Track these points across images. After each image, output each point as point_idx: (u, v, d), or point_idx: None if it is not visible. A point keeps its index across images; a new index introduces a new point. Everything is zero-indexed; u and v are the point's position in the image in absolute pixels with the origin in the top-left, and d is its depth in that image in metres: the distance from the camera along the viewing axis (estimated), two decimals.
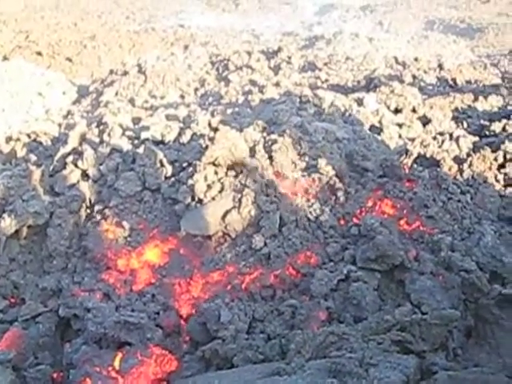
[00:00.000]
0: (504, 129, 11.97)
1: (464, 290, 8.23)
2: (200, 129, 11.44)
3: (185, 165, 10.39)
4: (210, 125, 11.59)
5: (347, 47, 26.54)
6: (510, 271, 8.90)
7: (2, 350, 7.86)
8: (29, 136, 12.90)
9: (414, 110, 13.45)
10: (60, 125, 14.54)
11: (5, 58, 23.87)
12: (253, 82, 18.18)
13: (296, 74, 19.37)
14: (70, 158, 10.92)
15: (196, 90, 18.86)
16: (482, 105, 14.21)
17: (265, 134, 10.85)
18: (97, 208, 10.11)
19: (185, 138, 11.34)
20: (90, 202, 10.25)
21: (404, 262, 8.57)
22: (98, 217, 9.94)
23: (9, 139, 12.90)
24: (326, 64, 20.51)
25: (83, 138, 11.62)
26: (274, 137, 10.64)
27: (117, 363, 7.59)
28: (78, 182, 10.46)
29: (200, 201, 9.62)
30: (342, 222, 9.61)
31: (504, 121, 12.25)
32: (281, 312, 8.15)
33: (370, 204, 9.93)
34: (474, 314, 7.94)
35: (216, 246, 9.32)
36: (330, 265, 8.80)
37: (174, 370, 7.61)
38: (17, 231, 9.67)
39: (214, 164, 9.96)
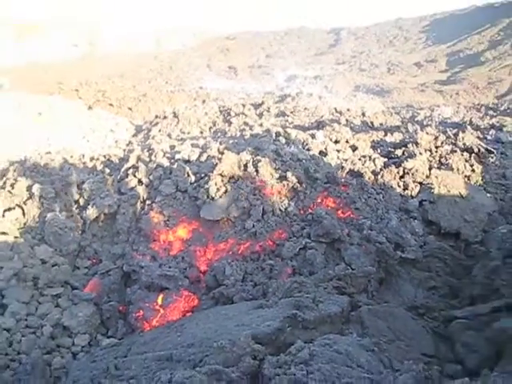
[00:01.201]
0: (403, 153, 12.18)
1: (378, 254, 8.42)
2: (212, 153, 11.55)
3: (203, 175, 10.52)
4: (218, 150, 11.72)
5: (305, 102, 26.68)
6: (407, 243, 9.14)
7: (87, 292, 8.06)
8: (104, 157, 13.03)
9: (347, 141, 13.53)
10: (124, 150, 14.70)
11: (89, 108, 24.23)
12: (246, 124, 18.36)
13: (273, 119, 19.52)
14: (130, 171, 11.04)
15: (210, 128, 19.10)
16: (389, 138, 14.37)
17: (253, 156, 10.99)
18: (147, 203, 10.22)
19: (203, 158, 11.43)
20: (143, 198, 10.37)
21: (340, 237, 8.76)
22: (148, 208, 10.10)
23: (92, 159, 13.00)
24: (292, 112, 20.61)
25: (139, 158, 11.74)
26: (258, 158, 10.79)
27: (159, 301, 7.81)
28: (136, 186, 10.58)
29: (212, 198, 9.80)
30: (302, 211, 9.74)
31: (403, 148, 12.48)
32: (263, 268, 8.34)
33: (319, 200, 10.06)
34: (384, 270, 8.16)
35: (222, 227, 9.50)
36: (294, 239, 8.96)
37: (196, 305, 7.85)
38: (97, 217, 9.85)
39: (221, 175, 10.16)
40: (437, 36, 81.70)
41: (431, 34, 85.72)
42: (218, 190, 9.89)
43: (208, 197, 9.84)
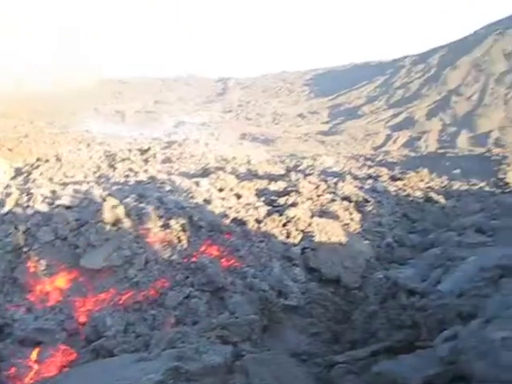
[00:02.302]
0: (286, 201, 12.61)
1: (261, 302, 8.58)
2: (95, 198, 11.30)
3: (84, 222, 10.22)
4: (101, 196, 11.48)
5: (192, 148, 26.97)
6: (289, 290, 9.39)
7: None
8: None
9: (231, 190, 13.79)
10: (1, 193, 13.92)
11: None
12: (131, 169, 18.13)
13: (159, 165, 19.52)
14: (7, 217, 10.49)
15: (94, 173, 18.54)
16: (273, 186, 14.82)
17: (137, 203, 10.89)
18: (24, 250, 9.75)
19: (84, 204, 11.13)
20: (20, 246, 9.87)
21: (224, 285, 8.90)
22: (24, 256, 9.61)
23: None
24: (178, 159, 20.78)
25: (16, 203, 11.20)
26: (142, 205, 10.72)
27: (34, 356, 7.38)
28: (12, 232, 10.06)
29: (93, 246, 9.53)
30: (186, 260, 9.75)
31: (286, 196, 12.93)
32: (145, 318, 8.15)
33: (203, 249, 10.14)
34: (268, 317, 8.30)
35: (103, 276, 9.22)
36: (177, 288, 8.90)
37: (74, 359, 7.48)
38: None
39: (103, 222, 9.92)
40: (319, 89, 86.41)
41: (314, 87, 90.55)
42: (99, 237, 9.62)
43: (89, 245, 9.52)
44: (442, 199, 15.70)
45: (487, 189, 20.04)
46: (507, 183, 21.03)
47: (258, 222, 11.34)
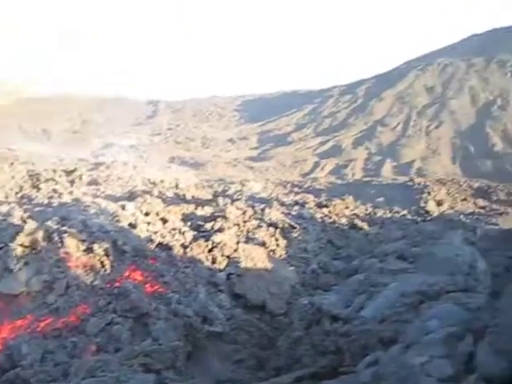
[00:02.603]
0: (212, 227, 12.64)
1: (186, 329, 8.54)
2: (15, 221, 10.91)
3: (2, 245, 9.82)
4: (22, 218, 11.10)
5: (119, 171, 26.56)
6: (214, 317, 9.37)
7: None
8: None
9: (157, 214, 13.69)
10: None
11: None
12: (55, 191, 17.60)
13: (84, 187, 19.07)
14: None
15: (16, 193, 17.86)
16: (200, 211, 14.81)
17: (59, 226, 10.60)
18: None
19: (3, 226, 10.73)
20: None
21: (148, 311, 8.78)
22: None
23: None
24: (105, 181, 20.40)
25: None
26: (65, 228, 10.46)
27: None
28: None
29: (11, 270, 9.16)
30: (109, 285, 9.57)
31: (213, 222, 12.96)
32: (65, 346, 7.91)
33: (127, 274, 10.00)
34: (192, 344, 8.26)
35: (21, 302, 8.88)
36: (99, 314, 8.72)
37: None
38: None
39: (22, 245, 9.57)
40: (249, 115, 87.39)
41: (244, 113, 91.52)
42: (18, 261, 9.25)
43: (6, 269, 9.14)
44: (366, 226, 16.17)
45: (409, 217, 20.81)
46: (428, 212, 21.92)
47: (184, 247, 11.29)
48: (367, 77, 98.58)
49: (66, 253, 9.80)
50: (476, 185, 35.31)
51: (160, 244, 11.32)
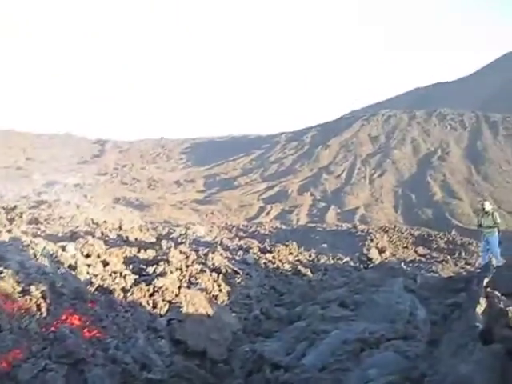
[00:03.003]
0: (154, 271, 12.49)
1: (123, 375, 8.33)
2: None
3: None
4: None
5: (62, 210, 26.07)
6: (153, 363, 9.19)
7: None
8: None
9: (98, 256, 13.45)
10: None
11: None
12: None
13: (24, 226, 18.57)
14: None
15: None
16: (142, 254, 14.64)
17: None
18: None
19: None
20: None
21: (84, 357, 8.53)
22: None
23: None
24: (46, 220, 19.96)
25: None
26: (0, 268, 10.15)
27: None
28: None
29: None
30: (44, 329, 9.27)
31: (155, 265, 12.82)
32: None
33: (64, 317, 9.74)
34: None
35: None
36: (32, 360, 8.42)
37: None
38: None
39: None
40: (196, 158, 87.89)
41: (191, 155, 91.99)
42: None
43: None
44: (309, 272, 16.32)
45: (352, 264, 21.13)
46: (370, 259, 22.31)
47: (125, 291, 11.09)
48: (314, 124, 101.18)
49: (1, 295, 9.49)
50: (417, 233, 36.35)
51: (100, 287, 11.08)
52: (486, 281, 10.27)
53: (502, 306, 7.48)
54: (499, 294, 8.07)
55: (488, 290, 9.34)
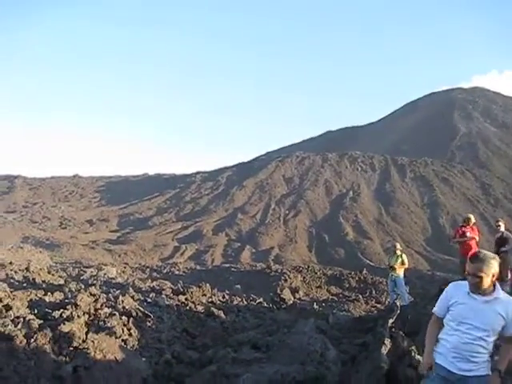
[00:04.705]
0: (61, 315, 11.95)
1: None
2: None
3: None
4: None
5: None
6: None
7: None
8: None
9: (0, 300, 12.73)
10: None
11: None
12: None
13: None
14: None
15: None
16: (49, 297, 14.04)
17: None
18: None
19: None
20: None
21: None
22: None
23: None
24: None
25: None
26: None
27: None
28: None
29: None
30: None
31: (61, 309, 12.27)
32: None
33: None
34: None
35: None
36: None
37: None
38: None
39: None
40: (111, 197, 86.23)
41: (106, 194, 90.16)
42: None
43: None
44: (222, 314, 16.15)
45: (265, 304, 21.14)
46: (283, 299, 22.41)
47: (28, 337, 10.48)
48: (229, 165, 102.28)
49: None
50: (330, 272, 37.01)
51: (0, 334, 10.44)
52: (390, 321, 10.60)
53: (405, 345, 7.71)
54: (403, 334, 8.33)
55: (393, 330, 9.63)
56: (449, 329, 4.57)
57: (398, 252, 16.11)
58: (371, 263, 49.04)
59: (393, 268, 15.98)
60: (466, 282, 4.54)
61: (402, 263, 16.05)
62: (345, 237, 59.70)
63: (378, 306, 23.24)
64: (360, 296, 27.49)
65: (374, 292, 30.60)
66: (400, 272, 16.03)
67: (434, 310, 4.83)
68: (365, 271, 36.97)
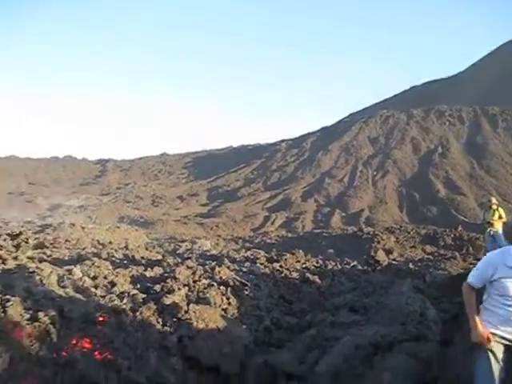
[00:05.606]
0: (162, 288, 12.46)
1: None
2: None
3: None
4: None
5: (67, 233, 26.00)
6: (167, 381, 9.15)
7: None
8: None
9: (105, 277, 13.46)
10: None
11: None
12: None
13: (30, 251, 18.51)
14: None
15: None
16: (149, 272, 14.64)
17: (2, 295, 10.26)
18: None
19: None
20: None
21: (97, 380, 8.50)
22: None
23: None
24: (51, 244, 19.93)
25: None
26: (7, 297, 10.13)
27: None
28: None
29: None
30: (55, 355, 9.25)
31: (162, 283, 12.80)
32: None
33: (74, 342, 9.71)
34: None
35: None
36: None
37: None
38: None
39: None
40: (198, 172, 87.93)
41: (193, 169, 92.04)
42: None
43: None
44: (317, 279, 16.25)
45: (359, 267, 21.04)
46: (378, 261, 22.21)
47: (134, 310, 11.05)
48: (313, 130, 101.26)
49: (10, 323, 9.48)
50: (423, 231, 36.19)
51: (109, 309, 11.06)
52: None
53: None
54: None
55: None
56: (496, 301, 4.40)
57: (494, 206, 15.53)
58: (466, 219, 47.43)
59: (490, 223, 15.42)
60: (507, 254, 4.33)
61: (500, 217, 15.46)
62: (436, 194, 57.87)
63: (476, 263, 22.52)
64: (457, 254, 26.73)
65: (470, 249, 29.67)
66: (498, 226, 15.46)
67: (471, 281, 4.63)
68: (460, 228, 35.87)
